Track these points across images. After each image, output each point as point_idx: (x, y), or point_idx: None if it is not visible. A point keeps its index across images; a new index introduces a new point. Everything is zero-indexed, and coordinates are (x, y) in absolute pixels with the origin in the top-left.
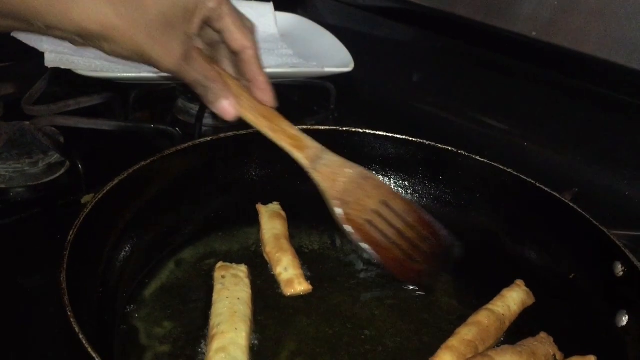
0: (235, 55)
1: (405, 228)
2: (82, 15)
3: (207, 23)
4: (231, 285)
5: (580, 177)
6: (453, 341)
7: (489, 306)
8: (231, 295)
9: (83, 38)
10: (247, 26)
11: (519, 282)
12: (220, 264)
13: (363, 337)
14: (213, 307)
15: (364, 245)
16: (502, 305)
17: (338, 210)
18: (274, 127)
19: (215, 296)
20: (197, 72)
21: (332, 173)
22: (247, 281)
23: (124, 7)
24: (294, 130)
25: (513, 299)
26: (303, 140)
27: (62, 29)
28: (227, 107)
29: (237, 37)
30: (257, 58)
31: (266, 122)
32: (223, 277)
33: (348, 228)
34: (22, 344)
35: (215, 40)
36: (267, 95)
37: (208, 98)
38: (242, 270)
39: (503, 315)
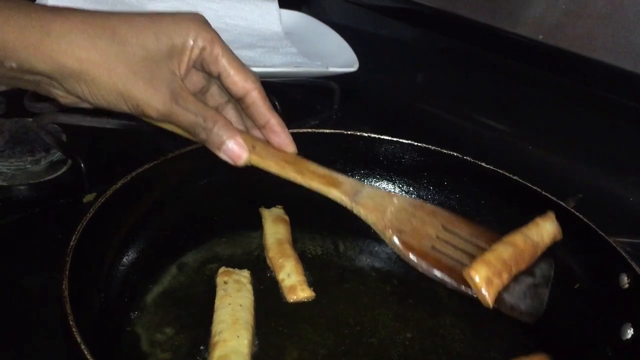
0: (239, 102)
1: (476, 251)
2: (58, 48)
3: (200, 66)
4: (234, 291)
5: (585, 182)
6: (490, 256)
7: (525, 231)
8: (233, 302)
9: (59, 79)
10: (245, 67)
11: (551, 213)
12: (222, 269)
13: (366, 345)
14: (215, 313)
15: (437, 273)
16: (536, 233)
17: (395, 240)
18: (301, 169)
19: (217, 302)
20: (192, 113)
21: (377, 205)
22: (249, 287)
23: (102, 40)
24: (324, 170)
25: (547, 230)
26: (337, 177)
27: (35, 66)
28: (236, 149)
29: (237, 80)
30: (265, 99)
31: (291, 167)
32: (225, 282)
33: (413, 258)
34: (22, 344)
35: (203, 87)
36: (285, 139)
37: (212, 141)
38: (244, 275)
39: (537, 243)
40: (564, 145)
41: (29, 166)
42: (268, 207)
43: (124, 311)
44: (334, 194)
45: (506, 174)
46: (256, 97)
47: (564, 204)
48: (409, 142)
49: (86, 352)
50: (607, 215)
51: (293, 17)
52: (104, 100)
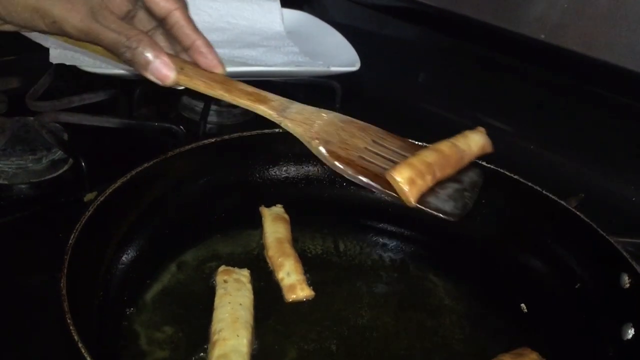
0: (162, 24)
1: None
2: None
3: None
4: (233, 290)
5: (587, 182)
6: (414, 160)
7: (452, 140)
8: (233, 301)
9: None
10: None
11: (481, 129)
12: (222, 267)
13: (366, 344)
14: (215, 312)
15: (363, 179)
16: (464, 142)
17: (321, 149)
18: (230, 88)
19: (217, 301)
20: (114, 32)
21: (306, 118)
22: (249, 286)
23: None
24: (253, 89)
25: (474, 140)
26: (266, 95)
27: None
28: (163, 69)
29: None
30: (189, 20)
31: (219, 85)
32: (225, 281)
33: (339, 165)
34: (22, 343)
35: (129, 11)
36: (212, 60)
37: (138, 61)
38: (244, 274)
39: (464, 150)
40: (565, 145)
41: (30, 165)
42: (268, 205)
43: (123, 309)
44: (262, 109)
45: (507, 173)
46: (179, 17)
47: (565, 204)
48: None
49: (84, 351)
50: (608, 215)
51: (295, 16)
52: (19, 18)
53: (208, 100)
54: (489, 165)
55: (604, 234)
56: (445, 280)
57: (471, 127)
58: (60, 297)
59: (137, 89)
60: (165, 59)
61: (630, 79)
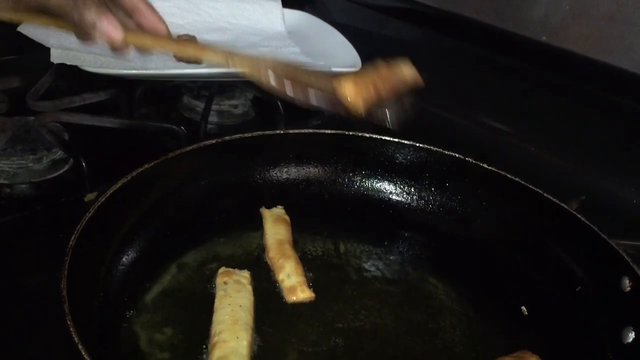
0: None
1: None
2: None
3: None
4: (233, 291)
5: (588, 184)
6: (357, 75)
7: (385, 64)
8: (233, 303)
9: None
10: None
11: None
12: (222, 269)
13: (366, 346)
14: (215, 314)
15: (312, 96)
16: (397, 67)
17: (270, 74)
18: (177, 41)
19: (217, 303)
20: None
21: (253, 60)
22: (249, 288)
23: None
24: (201, 44)
25: (405, 68)
26: (215, 46)
27: None
28: (111, 29)
29: None
30: None
31: (166, 40)
32: (225, 283)
33: (289, 87)
34: (21, 343)
35: None
36: (155, 21)
37: (85, 22)
38: (244, 276)
39: (398, 75)
40: (566, 147)
41: (31, 165)
42: (269, 207)
43: (123, 311)
44: (209, 55)
45: (508, 175)
46: None
47: (566, 206)
48: (411, 142)
49: (84, 352)
50: (609, 218)
51: (296, 16)
52: None
53: (209, 100)
54: (489, 168)
55: (605, 237)
56: (445, 282)
57: (472, 128)
58: (60, 299)
59: (138, 89)
60: (111, 18)
61: (631, 81)
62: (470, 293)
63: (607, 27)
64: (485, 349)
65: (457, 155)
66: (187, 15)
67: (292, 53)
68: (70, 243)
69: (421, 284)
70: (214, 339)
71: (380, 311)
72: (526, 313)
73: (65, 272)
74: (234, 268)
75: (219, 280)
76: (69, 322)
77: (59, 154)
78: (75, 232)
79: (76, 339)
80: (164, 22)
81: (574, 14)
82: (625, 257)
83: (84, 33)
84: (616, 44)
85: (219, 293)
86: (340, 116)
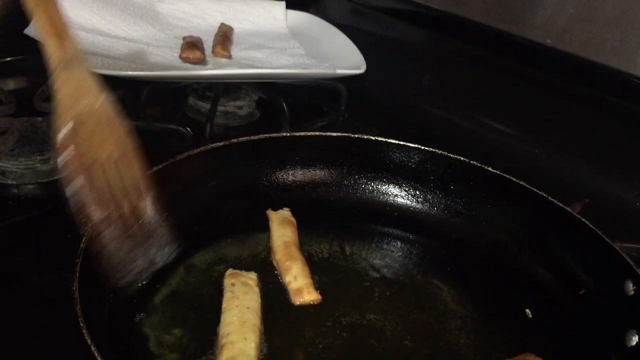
0: None
1: (121, 195)
2: None
3: None
4: (241, 293)
5: (591, 187)
6: None
7: None
8: (241, 304)
9: None
10: None
11: None
12: (230, 271)
13: (372, 348)
14: (222, 315)
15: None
16: None
17: (63, 131)
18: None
19: (224, 304)
20: None
21: (78, 89)
22: (256, 289)
23: None
24: (63, 21)
25: None
26: (67, 35)
27: None
28: None
29: None
30: None
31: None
32: (233, 285)
33: (63, 156)
34: (30, 343)
35: None
36: None
37: None
38: (252, 278)
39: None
40: (570, 150)
41: (38, 165)
42: (275, 209)
43: (133, 312)
44: (51, 46)
45: (512, 178)
46: None
47: (569, 209)
48: (416, 145)
49: (96, 354)
50: (613, 221)
51: (300, 18)
52: None
53: (214, 101)
54: (494, 171)
55: (609, 241)
56: (450, 285)
57: (476, 131)
58: (72, 301)
59: (143, 91)
60: None
61: (635, 84)
62: (474, 295)
63: (611, 30)
64: (489, 351)
65: (462, 158)
66: (191, 19)
67: (296, 55)
68: (82, 245)
69: (426, 286)
70: (222, 340)
71: (385, 313)
72: (530, 316)
73: (77, 275)
74: (241, 270)
75: (227, 281)
76: (81, 324)
77: None
78: (85, 234)
79: (89, 341)
80: None
81: (577, 17)
82: (629, 260)
83: None
84: (620, 47)
85: (227, 295)
86: (345, 118)
